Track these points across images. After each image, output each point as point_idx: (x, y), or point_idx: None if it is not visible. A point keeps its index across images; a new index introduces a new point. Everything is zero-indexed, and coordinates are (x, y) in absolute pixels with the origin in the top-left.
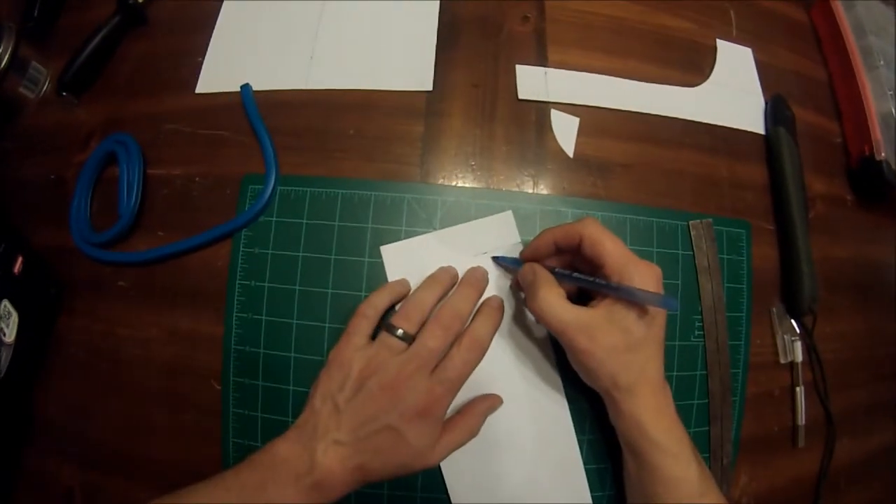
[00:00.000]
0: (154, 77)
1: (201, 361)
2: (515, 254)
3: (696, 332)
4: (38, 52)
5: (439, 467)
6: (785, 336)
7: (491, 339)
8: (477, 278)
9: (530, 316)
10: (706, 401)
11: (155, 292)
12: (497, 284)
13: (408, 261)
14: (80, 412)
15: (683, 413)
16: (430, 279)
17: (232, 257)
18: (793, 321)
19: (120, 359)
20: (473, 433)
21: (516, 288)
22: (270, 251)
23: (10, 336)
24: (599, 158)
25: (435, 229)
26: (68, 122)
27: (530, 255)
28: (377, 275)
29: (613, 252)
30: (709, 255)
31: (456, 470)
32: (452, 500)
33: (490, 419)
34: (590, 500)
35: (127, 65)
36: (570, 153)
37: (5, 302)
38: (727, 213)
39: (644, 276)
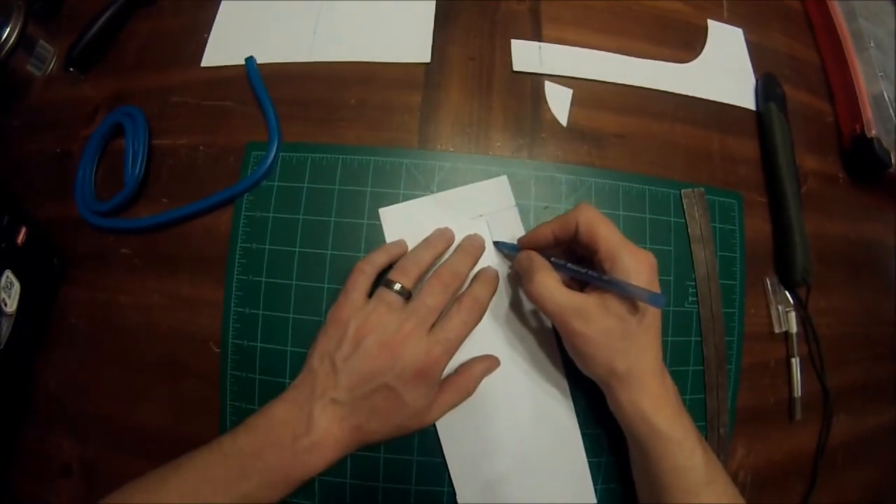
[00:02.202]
0: (161, 53)
1: (201, 326)
2: (511, 217)
3: (690, 299)
4: (46, 32)
5: (436, 431)
6: (779, 306)
7: (488, 303)
8: (474, 245)
9: (530, 304)
10: (701, 368)
11: (158, 259)
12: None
13: (406, 222)
14: (79, 385)
15: (679, 380)
16: (427, 240)
17: (234, 221)
18: (787, 292)
19: (121, 327)
20: (469, 393)
21: (515, 276)
22: (272, 214)
23: (12, 307)
24: (593, 129)
25: (432, 193)
26: (75, 97)
27: (528, 244)
28: (376, 236)
29: (607, 237)
30: (701, 223)
31: (452, 435)
32: (449, 466)
33: (489, 395)
34: (587, 467)
35: (134, 43)
36: (564, 122)
37: (7, 272)
38: (719, 184)
39: (637, 263)
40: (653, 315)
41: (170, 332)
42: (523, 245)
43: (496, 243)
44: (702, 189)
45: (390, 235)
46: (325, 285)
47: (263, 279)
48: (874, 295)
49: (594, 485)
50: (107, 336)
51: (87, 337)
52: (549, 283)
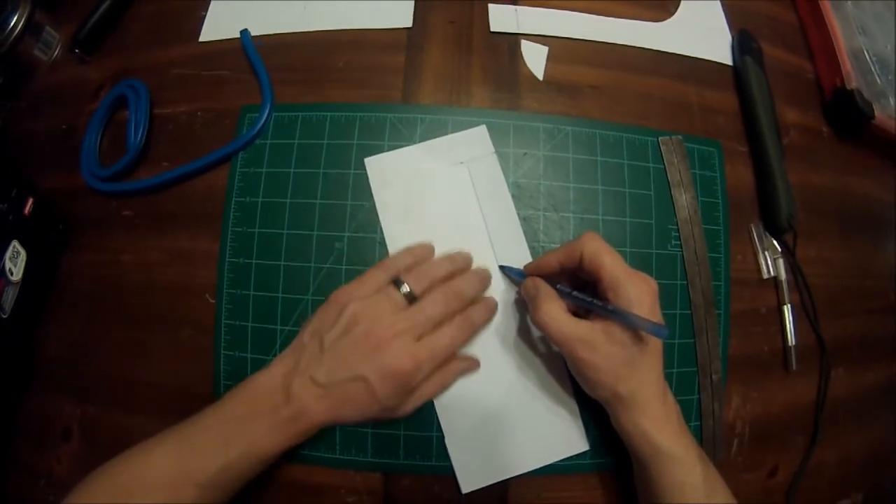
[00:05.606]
0: (161, 32)
1: (198, 278)
2: (490, 163)
3: (673, 242)
4: (52, 18)
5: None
6: (766, 252)
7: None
8: (487, 276)
9: (536, 330)
10: (689, 312)
11: (158, 218)
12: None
13: (390, 170)
14: (81, 346)
15: (667, 323)
16: (451, 256)
17: (230, 177)
18: (773, 240)
19: (123, 286)
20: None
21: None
22: (265, 169)
23: (18, 275)
24: (570, 81)
25: (415, 143)
26: (79, 77)
27: (534, 272)
28: (362, 184)
29: (611, 267)
30: (680, 169)
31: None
32: (437, 410)
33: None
34: (578, 412)
35: (135, 25)
36: (541, 77)
37: (15, 242)
38: (698, 133)
39: (640, 292)
40: (655, 342)
41: (169, 286)
42: (529, 272)
43: (502, 268)
44: (680, 137)
45: (376, 182)
46: (315, 233)
47: (256, 230)
48: (865, 247)
49: (586, 430)
50: (109, 295)
51: (89, 298)
52: (554, 312)
